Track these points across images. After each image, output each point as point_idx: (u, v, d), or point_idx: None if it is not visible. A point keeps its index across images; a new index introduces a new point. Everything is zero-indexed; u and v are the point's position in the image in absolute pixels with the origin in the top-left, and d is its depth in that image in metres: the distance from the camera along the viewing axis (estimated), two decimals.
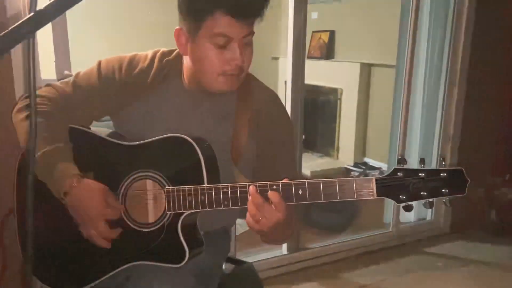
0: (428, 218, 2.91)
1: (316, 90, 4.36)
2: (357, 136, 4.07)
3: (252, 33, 1.02)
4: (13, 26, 0.53)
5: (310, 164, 4.10)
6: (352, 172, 3.75)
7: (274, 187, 0.92)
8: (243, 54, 1.01)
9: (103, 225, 1.00)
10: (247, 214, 0.93)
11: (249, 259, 2.29)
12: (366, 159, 4.04)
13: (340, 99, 4.19)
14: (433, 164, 2.80)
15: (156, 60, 1.12)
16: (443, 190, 0.84)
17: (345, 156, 4.18)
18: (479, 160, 2.84)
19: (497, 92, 2.87)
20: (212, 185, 0.96)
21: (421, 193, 0.85)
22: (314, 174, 3.86)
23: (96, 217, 0.99)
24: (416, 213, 2.89)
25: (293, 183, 0.91)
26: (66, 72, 1.81)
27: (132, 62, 1.12)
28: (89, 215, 1.00)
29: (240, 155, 1.11)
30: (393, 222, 2.72)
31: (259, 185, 0.92)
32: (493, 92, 2.85)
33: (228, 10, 0.95)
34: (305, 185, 0.90)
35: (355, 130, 4.06)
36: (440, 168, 0.85)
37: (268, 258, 2.35)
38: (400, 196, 0.86)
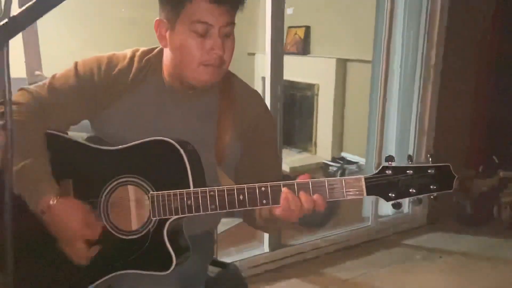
0: (406, 211, 2.96)
1: (293, 86, 4.37)
2: (335, 131, 4.10)
3: (233, 23, 1.00)
4: None
5: (289, 160, 4.11)
6: (330, 167, 3.78)
7: (263, 189, 0.90)
8: (224, 44, 0.99)
9: (81, 245, 0.96)
10: (281, 208, 0.91)
11: (230, 258, 2.28)
12: (343, 154, 4.08)
13: (317, 95, 4.21)
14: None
15: (135, 59, 1.09)
16: (431, 187, 0.85)
17: (323, 151, 4.20)
18: (453, 153, 2.91)
19: (471, 86, 2.95)
20: (199, 189, 0.93)
21: (410, 190, 0.85)
22: (293, 170, 3.87)
23: (75, 237, 0.96)
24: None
25: (282, 183, 0.90)
26: (37, 72, 1.73)
27: (111, 62, 1.08)
28: (67, 235, 0.96)
29: (224, 155, 1.08)
30: (372, 216, 2.76)
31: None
32: (467, 87, 2.93)
33: None
34: (294, 186, 0.89)
35: (332, 125, 4.09)
36: (428, 165, 0.85)
37: (250, 257, 2.33)
38: (389, 194, 0.86)
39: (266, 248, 2.40)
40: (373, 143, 2.76)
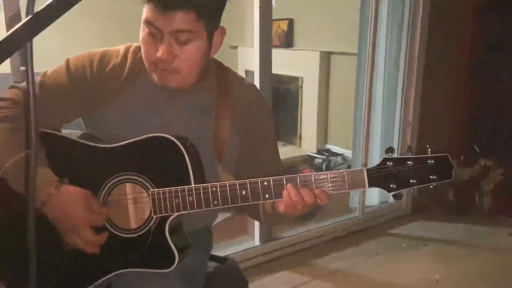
0: (391, 200, 3.02)
1: (277, 79, 4.35)
2: (319, 123, 4.13)
3: (189, 31, 0.95)
4: (10, 32, 0.47)
5: None
6: (315, 159, 3.81)
7: (265, 183, 0.90)
8: (174, 50, 0.96)
9: (89, 232, 0.94)
10: (284, 205, 0.91)
11: (221, 252, 2.27)
12: (328, 146, 4.11)
13: (301, 88, 4.23)
14: (396, 149, 2.90)
15: (129, 56, 1.06)
16: (431, 177, 0.87)
17: (308, 143, 4.23)
18: (436, 143, 2.97)
19: (453, 77, 3.01)
20: (200, 185, 0.93)
21: (411, 180, 0.87)
22: None
23: (81, 224, 0.93)
24: (379, 197, 2.99)
25: (284, 177, 0.90)
26: (22, 68, 1.69)
27: (104, 58, 1.05)
28: (72, 224, 0.94)
29: (224, 151, 1.08)
30: (360, 207, 2.80)
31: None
32: (449, 78, 2.99)
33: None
34: (296, 180, 0.90)
35: (317, 118, 4.11)
36: (427, 156, 0.87)
37: (242, 250, 2.34)
38: (391, 185, 0.87)
39: (257, 241, 2.41)
40: (360, 135, 2.80)
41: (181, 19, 0.92)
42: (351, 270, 2.37)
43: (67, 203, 0.92)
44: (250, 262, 2.34)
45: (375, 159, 2.83)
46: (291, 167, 3.65)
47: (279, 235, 2.49)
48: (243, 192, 0.91)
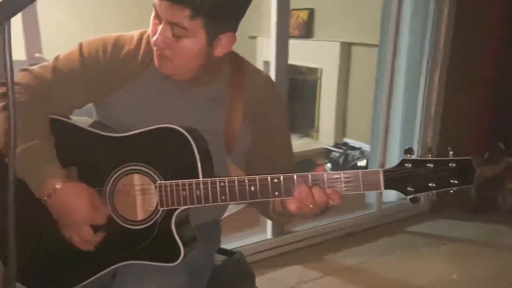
0: None
1: (295, 70, 4.30)
2: (337, 116, 4.05)
3: (181, 26, 0.91)
4: None
5: None
6: (332, 153, 3.75)
7: (275, 180, 0.86)
8: (166, 40, 0.93)
9: (87, 230, 0.93)
10: (294, 204, 0.88)
11: (233, 244, 2.27)
12: (346, 140, 4.04)
13: (320, 79, 4.15)
14: (414, 148, 2.81)
15: (143, 42, 1.04)
16: (451, 181, 0.82)
17: (325, 136, 4.17)
18: (459, 139, 2.87)
19: (478, 71, 2.90)
20: (208, 179, 0.90)
21: (429, 184, 0.82)
22: (295, 155, 3.81)
23: (81, 222, 0.92)
24: (397, 193, 2.91)
25: (295, 175, 0.86)
26: (37, 54, 1.68)
27: (118, 43, 1.03)
28: (73, 220, 0.92)
29: (234, 143, 1.05)
30: (376, 203, 2.74)
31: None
32: (475, 72, 2.88)
33: None
34: (308, 178, 0.86)
35: (335, 110, 4.04)
36: (449, 158, 0.82)
37: (253, 243, 2.32)
38: (408, 188, 0.83)
39: (269, 234, 2.38)
40: (378, 129, 2.73)
41: (176, 13, 0.90)
42: (365, 267, 2.33)
43: (72, 199, 0.91)
44: (261, 255, 2.31)
45: (393, 155, 2.76)
46: (307, 160, 3.61)
47: (292, 229, 2.46)
48: (252, 188, 0.88)
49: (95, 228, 0.95)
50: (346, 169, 3.51)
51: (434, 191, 0.83)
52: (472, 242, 2.61)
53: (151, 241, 0.94)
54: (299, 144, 4.20)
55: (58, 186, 0.90)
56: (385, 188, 0.82)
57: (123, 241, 0.96)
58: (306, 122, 4.36)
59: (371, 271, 2.30)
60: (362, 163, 3.51)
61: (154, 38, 0.94)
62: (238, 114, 1.04)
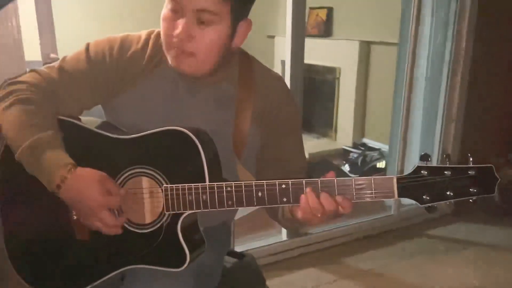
0: None
1: (313, 69, 4.24)
2: (356, 116, 3.98)
3: (211, 12, 0.89)
4: None
5: (308, 145, 3.97)
6: (350, 154, 3.68)
7: (283, 186, 0.83)
8: (193, 30, 0.90)
9: (106, 214, 0.90)
10: (302, 211, 0.85)
11: (248, 246, 2.25)
12: (365, 140, 3.97)
13: (339, 79, 4.09)
14: (435, 148, 2.73)
15: (150, 42, 1.02)
16: (470, 190, 0.77)
17: (343, 137, 4.10)
18: (482, 140, 2.78)
19: (502, 70, 2.79)
20: (215, 183, 0.87)
21: (447, 193, 0.77)
22: (312, 156, 3.78)
23: (98, 207, 0.89)
24: None
25: (304, 181, 0.83)
26: (52, 55, 1.69)
27: (124, 44, 1.01)
28: (89, 206, 0.90)
29: (243, 146, 1.02)
30: (395, 205, 2.67)
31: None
32: (498, 71, 2.77)
33: None
34: (317, 184, 0.82)
35: (354, 110, 3.97)
36: (468, 166, 0.77)
37: (268, 245, 2.29)
38: (424, 197, 0.78)
39: (284, 236, 2.35)
40: (397, 130, 2.66)
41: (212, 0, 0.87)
42: (382, 271, 2.27)
43: (82, 185, 0.89)
44: (276, 257, 2.28)
45: (413, 157, 2.69)
46: (324, 161, 3.56)
47: (308, 231, 2.41)
48: (259, 194, 0.85)
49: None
50: (364, 170, 3.45)
51: (452, 200, 0.78)
52: (495, 247, 2.51)
53: (157, 246, 0.92)
54: (316, 144, 4.15)
55: (68, 175, 0.88)
56: (399, 196, 0.78)
57: (129, 245, 0.95)
58: (324, 122, 4.30)
59: (389, 275, 2.24)
60: (381, 164, 3.44)
61: (177, 31, 0.90)
62: (247, 114, 1.01)
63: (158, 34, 1.03)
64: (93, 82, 1.00)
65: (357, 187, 0.80)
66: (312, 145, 4.08)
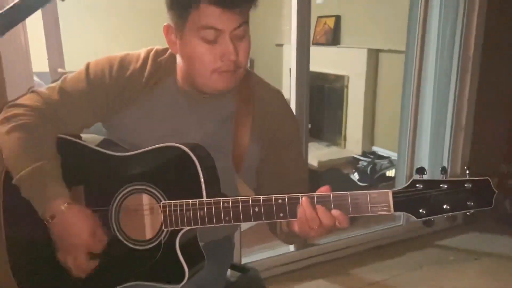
0: None
1: (322, 77, 4.24)
2: (365, 124, 3.96)
3: (246, 22, 0.92)
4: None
5: (317, 153, 4.01)
6: (360, 162, 3.65)
7: (280, 201, 0.83)
8: (237, 47, 0.92)
9: (84, 257, 0.93)
10: (299, 224, 0.85)
11: (255, 257, 2.24)
12: (374, 148, 3.94)
13: (347, 87, 4.07)
14: (445, 157, 2.70)
15: (149, 60, 1.03)
16: (468, 203, 0.76)
17: (353, 145, 4.07)
18: (492, 149, 2.74)
19: (511, 78, 2.75)
20: (212, 199, 0.88)
21: (444, 206, 0.77)
22: (321, 164, 3.77)
23: (79, 247, 0.92)
24: None
25: (300, 195, 0.83)
26: (60, 70, 1.72)
27: (124, 63, 1.03)
28: (72, 244, 0.92)
29: (243, 160, 1.02)
30: (404, 215, 2.64)
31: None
32: (507, 80, 2.73)
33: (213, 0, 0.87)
34: (314, 199, 0.82)
35: (363, 118, 3.94)
36: (465, 179, 0.76)
37: (275, 256, 2.28)
38: (420, 210, 0.78)
39: (291, 247, 2.34)
40: (406, 138, 2.64)
41: (240, 13, 0.90)
42: (392, 283, 2.23)
43: (75, 222, 0.91)
44: (284, 268, 2.27)
45: (422, 165, 2.64)
46: (334, 169, 3.54)
47: (316, 242, 2.40)
48: (256, 209, 0.85)
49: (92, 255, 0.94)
50: (374, 179, 3.42)
51: (450, 214, 0.77)
52: (506, 257, 2.45)
53: (156, 262, 0.93)
54: (326, 152, 4.13)
55: (62, 207, 0.90)
56: (395, 210, 0.78)
57: (128, 261, 0.96)
58: (333, 130, 4.28)
59: (398, 287, 2.21)
60: (390, 173, 3.41)
61: (232, 58, 0.91)
62: (246, 129, 1.02)
63: (157, 52, 1.05)
64: (93, 101, 1.02)
65: (353, 201, 0.80)
66: (321, 153, 4.07)
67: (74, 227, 0.91)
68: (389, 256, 2.46)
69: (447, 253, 2.52)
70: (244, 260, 2.17)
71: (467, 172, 0.77)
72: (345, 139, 4.18)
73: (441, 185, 0.76)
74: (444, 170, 0.77)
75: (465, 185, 0.76)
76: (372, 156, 3.67)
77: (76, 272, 0.94)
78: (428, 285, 2.21)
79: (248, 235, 2.08)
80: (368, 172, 3.47)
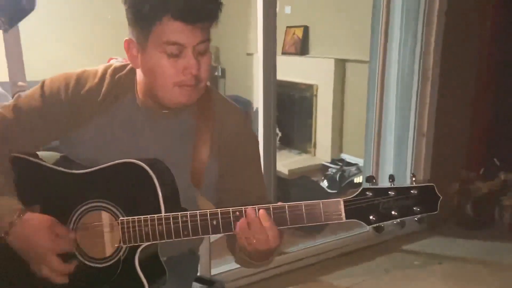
0: None
1: (291, 86, 4.30)
2: (334, 132, 4.03)
3: (208, 39, 0.94)
4: None
5: (288, 161, 4.05)
6: (329, 169, 3.72)
7: (237, 213, 0.85)
8: (199, 62, 0.93)
9: (55, 260, 0.91)
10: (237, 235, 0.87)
11: (226, 267, 2.23)
12: (343, 155, 4.01)
13: (316, 95, 4.15)
14: (408, 163, 2.78)
15: (107, 77, 1.03)
16: (414, 208, 0.80)
17: (322, 152, 4.14)
18: (453, 155, 2.84)
19: (471, 86, 2.87)
20: (170, 214, 0.88)
21: (392, 212, 0.80)
22: (292, 172, 3.81)
23: (46, 253, 0.90)
24: None
25: (256, 207, 0.85)
26: (20, 83, 1.69)
27: (80, 80, 1.02)
28: (37, 253, 0.90)
29: (202, 176, 1.02)
30: None
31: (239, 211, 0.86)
32: (467, 87, 2.85)
33: (176, 15, 0.87)
34: (270, 210, 0.84)
35: (332, 126, 4.02)
36: (410, 186, 0.80)
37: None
38: (370, 217, 0.80)
39: None
40: (371, 145, 2.71)
41: (203, 29, 0.91)
42: (362, 287, 2.27)
43: (29, 231, 0.89)
44: (253, 278, 2.27)
45: (387, 171, 2.73)
46: (304, 177, 3.58)
47: (285, 249, 2.42)
48: (214, 222, 0.86)
49: (65, 259, 0.93)
50: (342, 186, 3.48)
51: (398, 220, 0.80)
52: (469, 260, 2.54)
53: (115, 279, 0.92)
54: (297, 160, 4.18)
55: (14, 220, 0.88)
56: (347, 218, 0.81)
57: (87, 280, 0.94)
58: (303, 138, 4.34)
59: None
60: (358, 179, 3.47)
61: (194, 72, 0.92)
62: (205, 146, 1.02)
63: (115, 69, 1.04)
64: (47, 119, 1.00)
65: (307, 211, 0.82)
66: (292, 161, 4.11)
67: (31, 238, 0.89)
68: (357, 262, 2.50)
69: (412, 258, 2.59)
70: (213, 271, 2.16)
71: (413, 179, 0.81)
72: (315, 147, 4.24)
73: (389, 192, 0.79)
74: (392, 178, 0.81)
75: (411, 191, 0.79)
76: (340, 164, 3.74)
77: (56, 278, 0.91)
78: None
79: (218, 246, 2.08)
80: (337, 179, 3.53)
